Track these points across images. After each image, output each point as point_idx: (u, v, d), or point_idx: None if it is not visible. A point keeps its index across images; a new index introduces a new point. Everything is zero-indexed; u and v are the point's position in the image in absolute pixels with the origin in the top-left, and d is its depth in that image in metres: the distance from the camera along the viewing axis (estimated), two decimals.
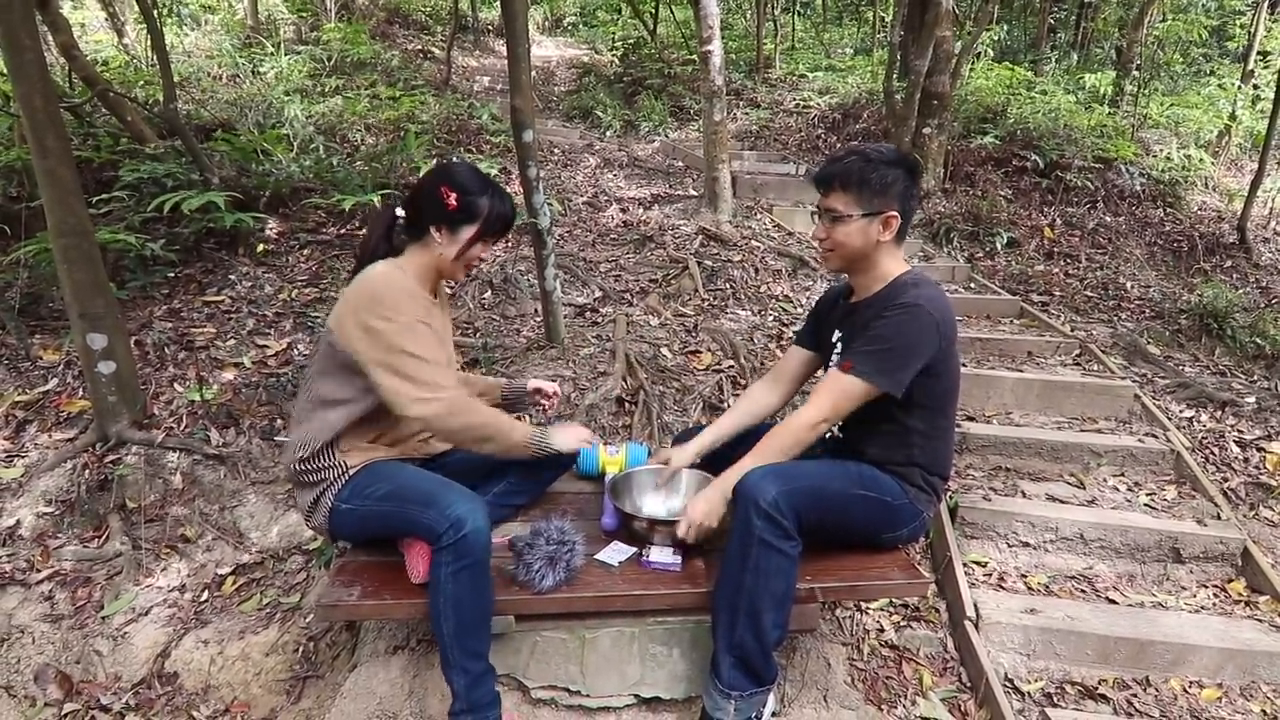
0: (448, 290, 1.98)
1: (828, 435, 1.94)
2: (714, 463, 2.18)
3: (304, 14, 8.66)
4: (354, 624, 2.13)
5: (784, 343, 3.73)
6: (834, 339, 1.89)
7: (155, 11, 3.79)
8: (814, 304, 2.11)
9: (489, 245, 1.79)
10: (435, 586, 1.59)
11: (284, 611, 2.28)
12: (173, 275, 3.61)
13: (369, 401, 1.72)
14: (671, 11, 11.11)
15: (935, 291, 1.73)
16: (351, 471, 1.73)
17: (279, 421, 2.87)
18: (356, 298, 1.66)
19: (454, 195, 1.69)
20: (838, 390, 1.70)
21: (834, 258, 1.80)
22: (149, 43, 4.91)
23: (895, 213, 1.72)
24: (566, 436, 1.88)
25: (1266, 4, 8.08)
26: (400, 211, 1.78)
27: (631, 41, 9.83)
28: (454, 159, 1.88)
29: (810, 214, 1.87)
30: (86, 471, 2.57)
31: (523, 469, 1.98)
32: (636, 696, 1.81)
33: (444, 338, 1.84)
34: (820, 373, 1.96)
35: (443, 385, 1.65)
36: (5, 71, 2.57)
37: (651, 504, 2.03)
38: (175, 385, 2.95)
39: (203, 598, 2.33)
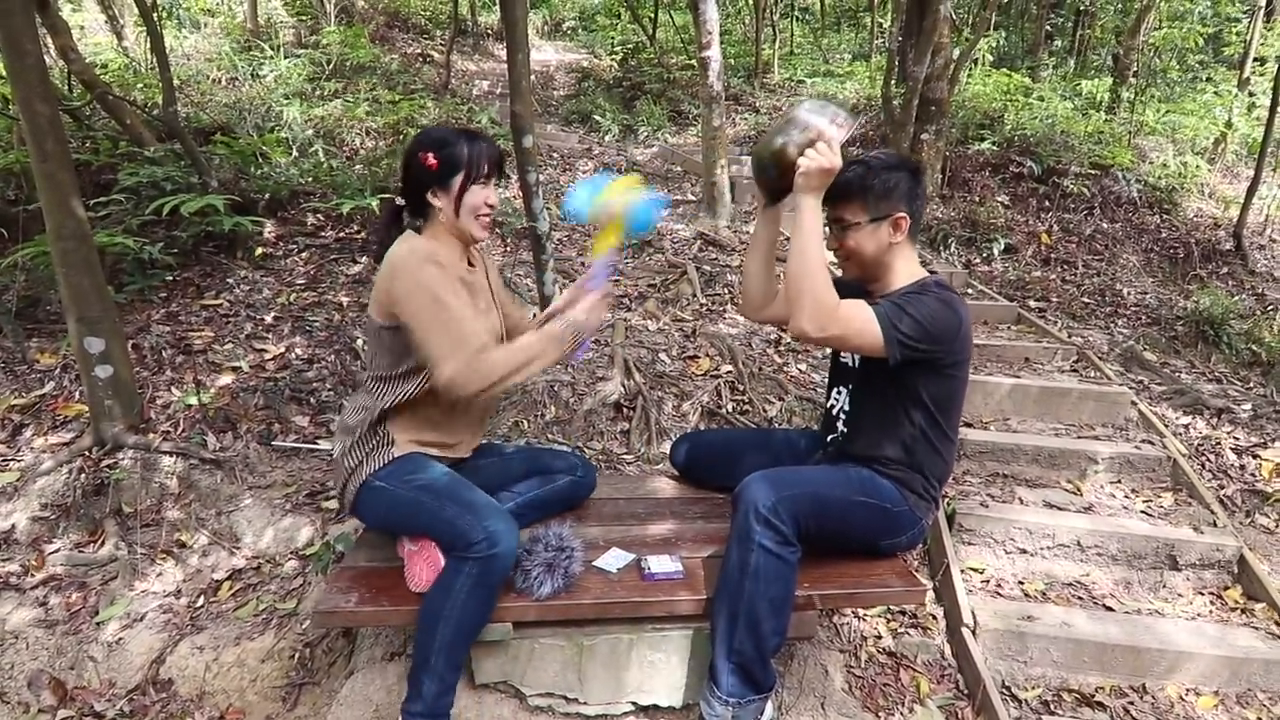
0: (480, 253, 1.95)
1: (828, 439, 1.95)
2: (713, 470, 2.19)
3: (304, 17, 8.67)
4: (351, 631, 2.12)
5: (781, 348, 3.74)
6: None
7: (155, 14, 3.79)
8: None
9: (486, 187, 1.76)
10: (445, 592, 1.59)
11: (280, 618, 2.27)
12: (171, 279, 3.61)
13: (417, 382, 1.74)
14: (671, 17, 11.15)
15: (956, 296, 1.75)
16: (395, 454, 1.75)
17: (276, 426, 2.87)
18: (383, 278, 1.70)
19: (430, 155, 1.71)
20: (857, 310, 1.63)
21: (852, 265, 1.81)
22: (148, 45, 4.91)
23: (904, 213, 1.73)
24: (591, 318, 1.76)
25: (1262, 11, 8.13)
26: (400, 200, 1.81)
27: (631, 46, 9.85)
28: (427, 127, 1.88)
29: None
30: (82, 475, 2.56)
31: (533, 497, 1.98)
32: (634, 704, 1.81)
33: (487, 311, 1.84)
34: (846, 357, 1.93)
35: (457, 351, 1.60)
36: (5, 75, 2.57)
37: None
38: (172, 389, 2.95)
39: (198, 603, 2.32)
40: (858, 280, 1.86)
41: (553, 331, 1.71)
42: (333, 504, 2.58)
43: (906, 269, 1.78)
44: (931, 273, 1.81)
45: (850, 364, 1.90)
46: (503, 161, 1.81)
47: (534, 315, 2.09)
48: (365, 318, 1.79)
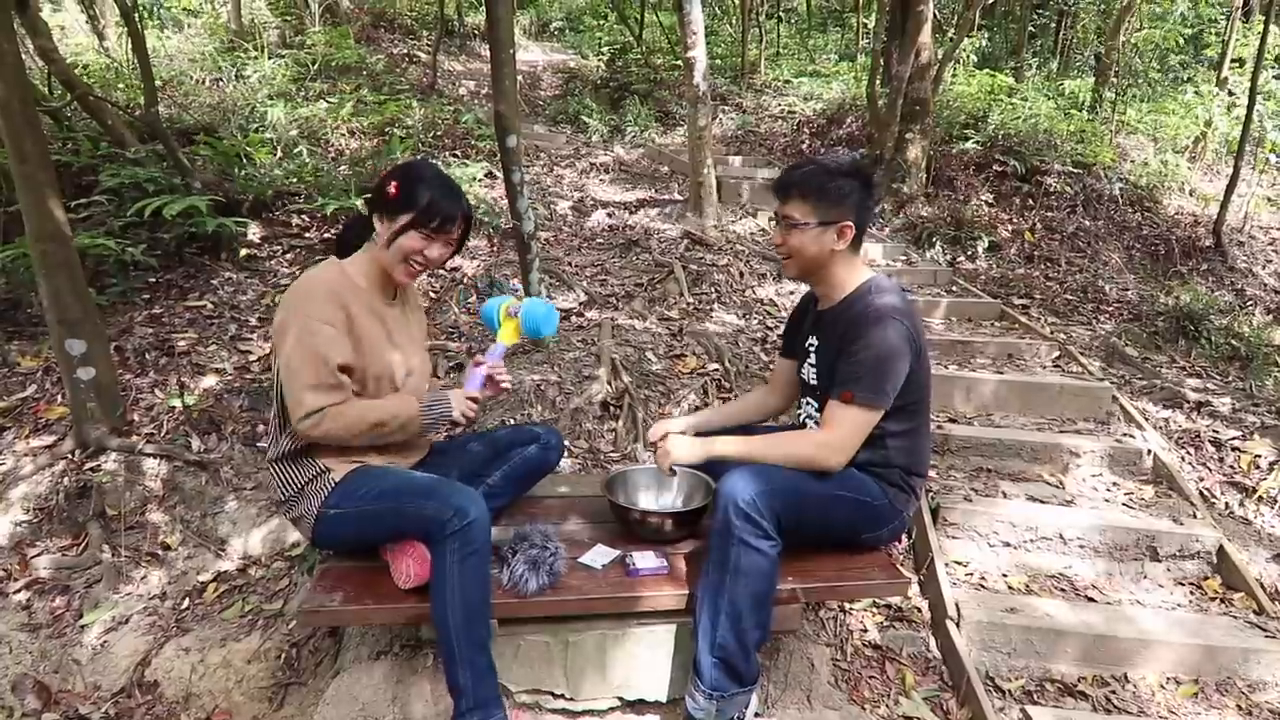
0: (416, 287, 1.97)
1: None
2: (698, 466, 2.20)
3: (288, 18, 8.62)
4: (337, 630, 2.12)
5: (769, 346, 3.75)
6: (807, 344, 1.93)
7: (136, 15, 3.76)
8: (789, 314, 2.15)
9: (428, 240, 1.71)
10: (441, 578, 1.59)
11: (266, 618, 2.26)
12: (154, 280, 3.59)
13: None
14: (657, 17, 11.17)
15: (898, 298, 1.76)
16: (335, 478, 1.73)
17: (260, 427, 2.86)
18: (283, 299, 1.70)
19: (394, 184, 1.69)
20: (848, 422, 1.72)
21: (791, 265, 1.84)
22: (130, 46, 4.87)
23: (850, 223, 1.75)
24: (455, 400, 1.81)
25: (1240, 12, 8.24)
26: (367, 211, 1.80)
27: (617, 47, 9.86)
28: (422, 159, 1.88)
29: (768, 219, 1.91)
30: (65, 479, 2.54)
31: (503, 471, 1.99)
32: (620, 699, 1.82)
33: (398, 344, 1.81)
34: (805, 372, 1.96)
35: (313, 397, 1.63)
36: None
37: (645, 501, 2.07)
38: (156, 391, 2.93)
39: (183, 605, 2.31)
40: (798, 279, 1.89)
41: (418, 404, 1.77)
42: None
43: (847, 277, 1.82)
44: (874, 273, 1.85)
45: (809, 380, 1.93)
46: (465, 230, 1.78)
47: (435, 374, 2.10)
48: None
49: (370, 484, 1.71)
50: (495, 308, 1.95)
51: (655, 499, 2.08)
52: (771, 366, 3.57)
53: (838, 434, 1.72)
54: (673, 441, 1.79)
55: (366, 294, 1.75)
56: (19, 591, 2.28)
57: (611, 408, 3.16)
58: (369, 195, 1.78)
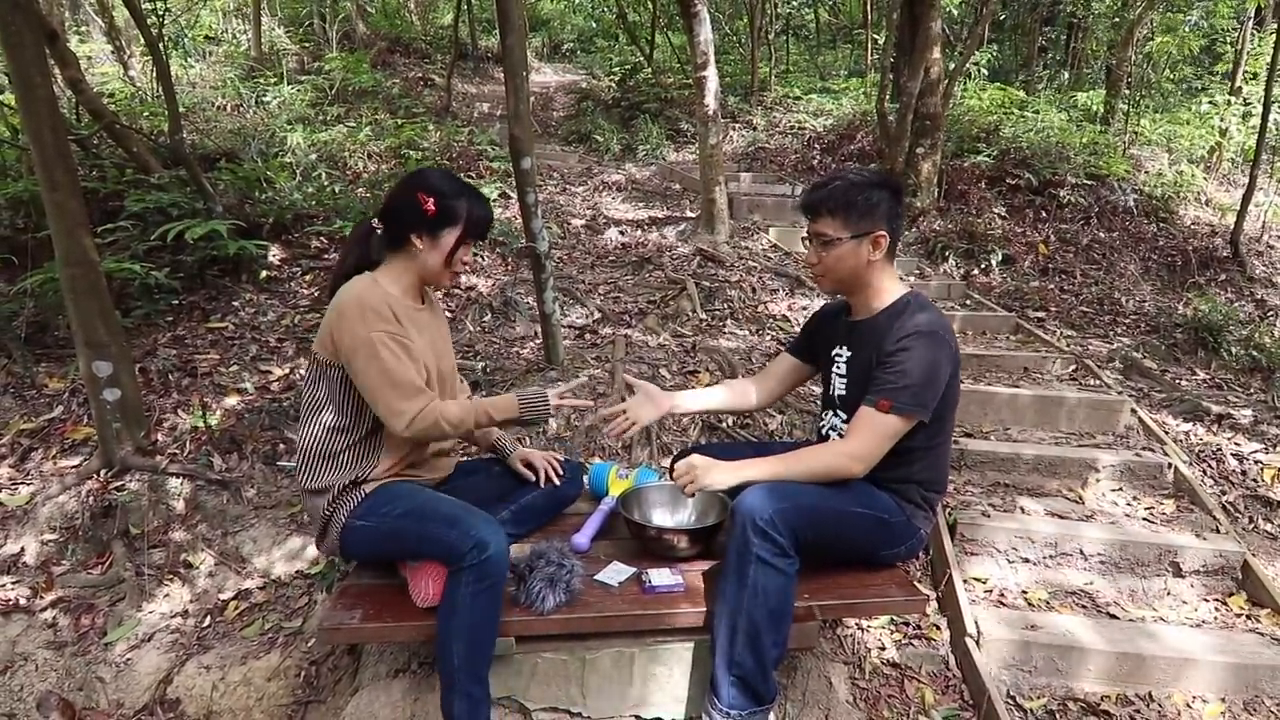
0: (439, 299, 2.03)
1: None
2: None
3: (307, 44, 8.81)
4: (356, 648, 2.13)
5: None
6: (834, 353, 1.92)
7: (160, 44, 3.87)
8: (809, 318, 2.15)
9: (470, 248, 1.82)
10: (452, 608, 1.61)
11: (286, 636, 2.28)
12: (177, 303, 3.66)
13: (368, 423, 1.76)
14: (668, 38, 11.30)
15: (939, 314, 1.77)
16: (365, 490, 1.76)
17: (281, 446, 2.90)
18: (334, 316, 1.70)
19: (431, 200, 1.71)
20: (880, 430, 1.71)
21: (827, 281, 1.84)
22: (154, 74, 5.01)
23: (884, 232, 1.76)
24: (549, 396, 1.85)
25: (1252, 22, 8.21)
26: (377, 224, 1.80)
27: (629, 67, 9.98)
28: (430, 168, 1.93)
29: (802, 240, 1.92)
30: (90, 498, 2.59)
31: (524, 503, 2.02)
32: (637, 717, 1.81)
33: (435, 343, 1.86)
34: (833, 384, 1.97)
35: (410, 404, 1.67)
36: (15, 106, 2.63)
37: (659, 518, 2.08)
38: (179, 411, 2.98)
39: (205, 623, 2.34)
40: (834, 293, 1.90)
41: (511, 399, 1.82)
42: None
43: (885, 286, 1.82)
44: (910, 287, 1.85)
45: (835, 393, 1.93)
46: (490, 227, 1.86)
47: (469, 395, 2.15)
48: (310, 352, 1.80)
49: (397, 502, 1.73)
50: (604, 476, 2.23)
51: (670, 516, 2.08)
52: None
53: (866, 442, 1.71)
54: (707, 470, 1.75)
55: (403, 303, 1.78)
56: (45, 609, 2.32)
57: None
58: (393, 212, 1.78)
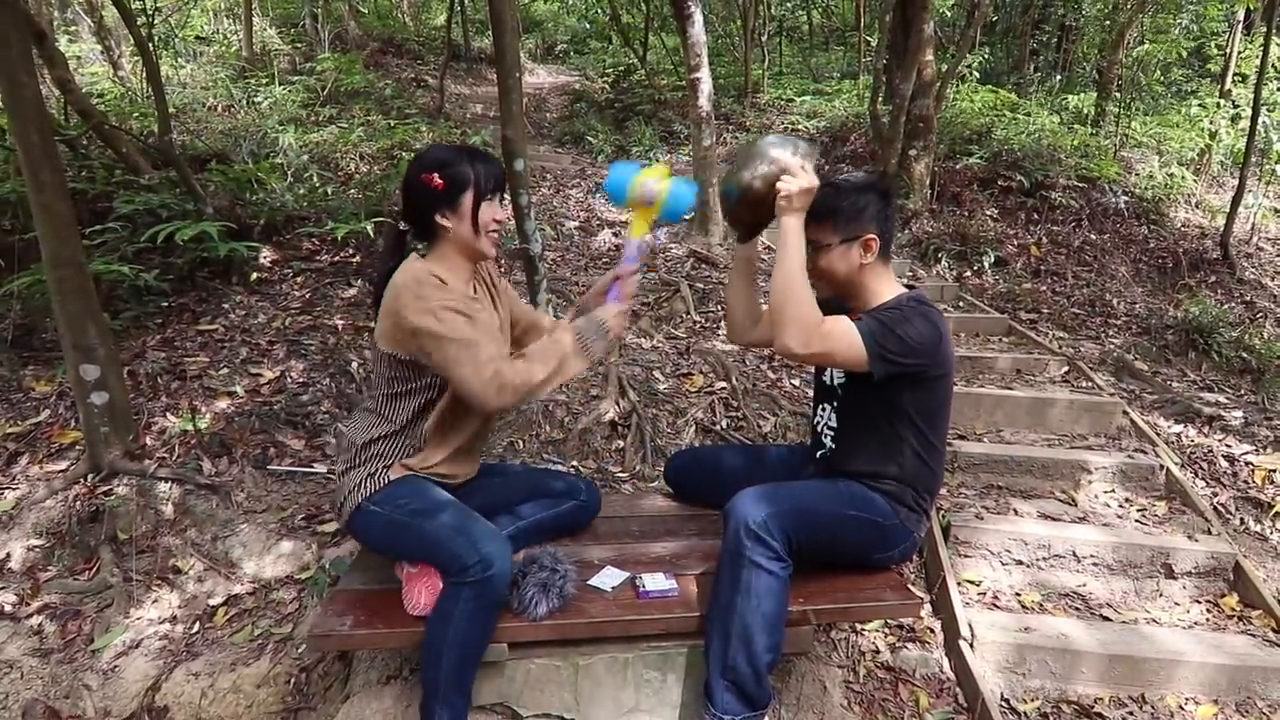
0: (490, 275, 1.97)
1: (818, 454, 1.96)
2: (707, 487, 2.20)
3: (298, 45, 8.78)
4: (346, 654, 2.11)
5: (775, 364, 3.76)
6: None
7: (150, 44, 3.84)
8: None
9: (493, 203, 1.75)
10: (444, 619, 1.59)
11: (276, 642, 2.26)
12: (166, 305, 3.63)
13: (413, 408, 1.76)
14: (661, 40, 11.31)
15: (935, 311, 1.77)
16: (391, 478, 1.75)
17: (271, 450, 2.87)
18: (389, 306, 1.68)
19: (435, 175, 1.68)
20: (840, 326, 1.67)
21: (823, 286, 1.84)
22: (144, 75, 4.98)
23: (873, 235, 1.76)
24: (610, 323, 1.76)
25: (1242, 25, 8.27)
26: (403, 225, 1.79)
27: (622, 69, 9.98)
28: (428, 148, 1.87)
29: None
30: (78, 503, 2.56)
31: (537, 520, 1.99)
32: None
33: (498, 321, 1.84)
34: (828, 374, 1.94)
35: (482, 368, 1.60)
36: (2, 106, 2.60)
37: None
38: (168, 415, 2.95)
39: (194, 630, 2.31)
40: (833, 299, 1.89)
41: (576, 329, 1.71)
42: (328, 528, 2.58)
43: (882, 288, 1.81)
44: (909, 287, 1.84)
45: (832, 382, 1.92)
46: (504, 178, 1.81)
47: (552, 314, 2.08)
48: (369, 343, 1.79)
49: (417, 498, 1.72)
50: (625, 182, 1.75)
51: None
52: (779, 385, 3.58)
53: (829, 327, 1.66)
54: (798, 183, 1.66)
55: (456, 280, 1.75)
56: (31, 616, 2.28)
57: (619, 427, 3.16)
58: (410, 204, 1.75)
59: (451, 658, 1.58)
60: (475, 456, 1.98)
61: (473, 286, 1.85)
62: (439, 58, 9.64)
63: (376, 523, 1.73)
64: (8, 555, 2.43)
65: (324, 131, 5.62)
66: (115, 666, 2.19)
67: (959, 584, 2.52)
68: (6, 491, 2.61)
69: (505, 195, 1.83)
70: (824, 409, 1.96)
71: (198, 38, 8.14)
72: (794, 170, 1.68)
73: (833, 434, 1.91)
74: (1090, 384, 3.89)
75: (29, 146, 2.39)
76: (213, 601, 2.40)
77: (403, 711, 1.79)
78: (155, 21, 4.41)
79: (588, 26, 14.39)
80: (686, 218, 2.54)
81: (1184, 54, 8.60)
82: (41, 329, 3.34)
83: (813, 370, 2.07)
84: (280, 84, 6.57)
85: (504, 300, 1.98)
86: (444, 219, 1.72)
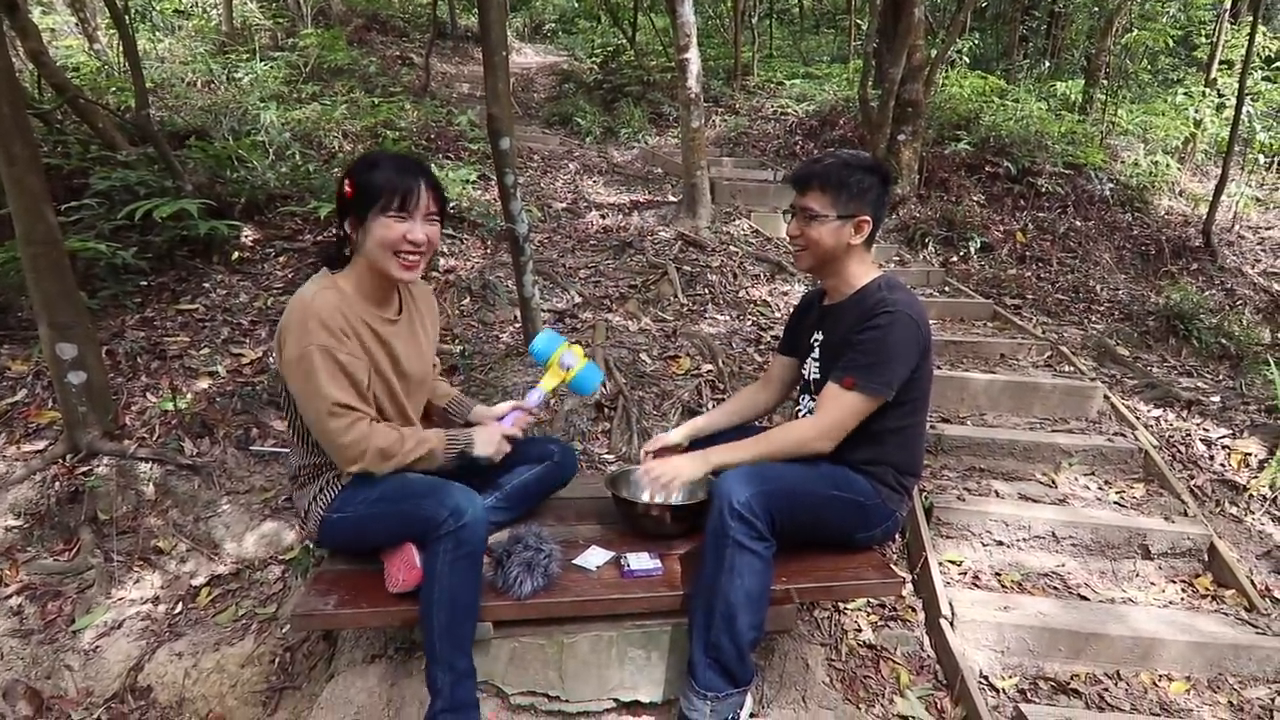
0: (416, 290, 1.89)
1: None
2: None
3: (280, 20, 8.59)
4: (331, 634, 2.11)
5: (762, 347, 3.76)
6: (812, 340, 1.93)
7: (127, 17, 3.74)
8: (791, 311, 2.15)
9: (407, 222, 1.59)
10: (431, 578, 1.59)
11: (260, 622, 2.26)
12: (145, 284, 3.57)
13: None
14: (650, 20, 11.19)
15: (909, 295, 1.78)
16: (344, 482, 1.73)
17: (254, 430, 2.85)
18: (281, 324, 1.62)
19: (348, 181, 1.61)
20: (844, 408, 1.73)
21: (806, 256, 1.84)
22: (121, 48, 4.85)
23: (868, 217, 1.77)
24: (485, 439, 1.82)
25: (1228, 14, 8.30)
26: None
27: (611, 49, 9.87)
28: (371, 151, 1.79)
29: (782, 214, 1.92)
30: (56, 483, 2.53)
31: (514, 486, 1.99)
32: (615, 700, 1.81)
33: (403, 352, 1.75)
34: (807, 369, 1.97)
35: (341, 433, 1.59)
36: None
37: (647, 499, 2.00)
38: (148, 395, 2.92)
39: (177, 610, 2.30)
40: (809, 271, 1.90)
41: (442, 437, 1.76)
42: None
43: (860, 271, 1.83)
44: (884, 271, 1.86)
45: (810, 376, 1.93)
46: (438, 199, 1.65)
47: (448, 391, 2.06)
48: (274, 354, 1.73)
49: (373, 488, 1.70)
50: (552, 348, 1.94)
51: (658, 496, 2.04)
52: (765, 365, 3.59)
53: (830, 418, 1.73)
54: (674, 464, 1.79)
55: (366, 311, 1.67)
56: (10, 597, 2.26)
57: (605, 409, 3.16)
58: (336, 208, 1.69)
59: (442, 616, 1.58)
60: None
61: (398, 306, 1.77)
62: (424, 35, 9.48)
63: (344, 527, 1.72)
64: None
65: (306, 109, 5.52)
66: (97, 647, 2.18)
67: (940, 564, 2.55)
68: None
69: (443, 218, 1.70)
70: (805, 399, 1.97)
71: (176, 11, 7.94)
72: (651, 478, 1.78)
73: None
74: (1072, 368, 3.94)
75: (0, 119, 2.33)
76: (195, 582, 2.39)
77: (388, 690, 1.79)
78: None
79: (576, 5, 14.19)
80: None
81: (1171, 42, 8.62)
82: (16, 307, 3.28)
83: None
84: (261, 60, 6.43)
85: (430, 326, 1.90)
86: (351, 229, 1.64)
